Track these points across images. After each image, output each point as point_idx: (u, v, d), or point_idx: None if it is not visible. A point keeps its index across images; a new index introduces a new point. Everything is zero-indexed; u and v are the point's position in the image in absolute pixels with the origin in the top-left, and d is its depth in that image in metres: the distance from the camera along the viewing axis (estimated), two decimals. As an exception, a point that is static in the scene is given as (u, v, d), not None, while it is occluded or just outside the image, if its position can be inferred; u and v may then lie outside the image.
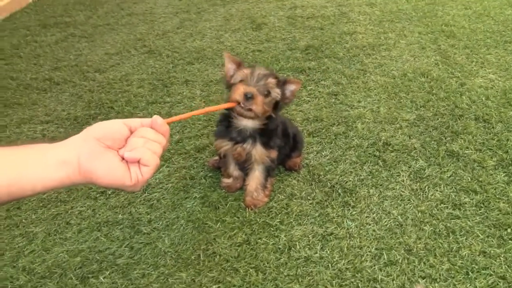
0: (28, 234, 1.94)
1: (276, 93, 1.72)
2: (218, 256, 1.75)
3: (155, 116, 0.85)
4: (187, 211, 1.99)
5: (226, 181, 2.09)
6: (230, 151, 1.92)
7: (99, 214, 2.01)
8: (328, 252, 1.73)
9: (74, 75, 3.26)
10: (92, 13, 4.50)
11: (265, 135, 1.87)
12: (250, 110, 1.64)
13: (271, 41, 3.58)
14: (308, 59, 3.23)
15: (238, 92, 1.62)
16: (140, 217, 1.98)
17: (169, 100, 2.84)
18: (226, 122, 1.89)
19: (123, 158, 0.79)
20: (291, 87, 1.79)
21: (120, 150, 0.79)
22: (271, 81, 1.70)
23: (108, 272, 1.73)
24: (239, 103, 1.62)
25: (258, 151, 1.88)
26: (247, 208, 1.96)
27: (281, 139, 1.97)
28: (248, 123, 1.81)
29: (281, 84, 1.77)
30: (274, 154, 1.92)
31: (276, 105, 1.80)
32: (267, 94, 1.70)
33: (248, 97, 1.60)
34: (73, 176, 0.72)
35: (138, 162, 0.80)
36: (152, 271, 1.72)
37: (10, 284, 1.70)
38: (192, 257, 1.76)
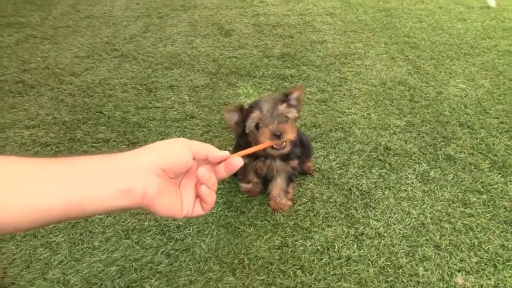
0: (51, 244, 1.89)
1: (292, 113, 1.74)
2: (261, 260, 1.80)
3: (231, 158, 0.83)
4: (214, 216, 2.01)
5: (246, 186, 2.13)
6: (251, 165, 1.97)
7: (123, 222, 1.99)
8: (366, 251, 1.84)
9: (48, 78, 3.15)
10: (47, 14, 4.34)
11: None
12: (284, 144, 1.67)
13: (244, 48, 3.65)
14: (286, 67, 3.33)
15: (266, 136, 1.62)
16: (168, 224, 1.98)
17: (159, 105, 2.83)
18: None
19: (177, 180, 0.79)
20: (294, 96, 1.81)
21: (200, 172, 0.78)
22: (282, 108, 1.70)
23: (153, 280, 1.72)
24: (272, 146, 1.64)
25: (278, 165, 1.94)
26: (275, 212, 2.02)
27: (300, 148, 2.03)
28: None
29: (286, 100, 1.78)
30: (295, 163, 1.98)
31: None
32: (287, 120, 1.71)
33: (278, 135, 1.61)
34: (134, 203, 0.70)
35: (197, 197, 0.81)
36: (198, 277, 1.73)
37: (52, 296, 1.66)
38: (236, 261, 1.80)
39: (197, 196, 0.81)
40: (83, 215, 0.65)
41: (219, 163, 0.82)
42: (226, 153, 0.82)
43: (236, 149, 2.05)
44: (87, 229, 1.96)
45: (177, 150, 0.76)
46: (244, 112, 1.75)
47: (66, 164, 0.65)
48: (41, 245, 1.88)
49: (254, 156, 1.91)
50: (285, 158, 1.90)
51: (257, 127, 1.69)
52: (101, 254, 1.84)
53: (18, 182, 0.59)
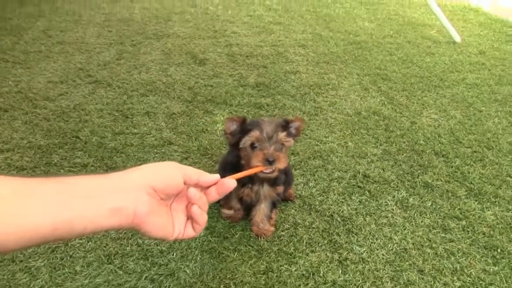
0: (30, 269, 1.81)
1: (290, 143, 1.76)
2: (247, 285, 1.77)
3: (224, 179, 0.85)
4: (198, 242, 1.98)
5: (228, 212, 2.11)
6: (237, 192, 1.96)
7: (104, 246, 1.93)
8: (351, 275, 1.84)
9: (21, 102, 3.08)
10: (18, 39, 4.27)
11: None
12: (273, 170, 1.69)
13: (219, 76, 3.67)
14: (262, 96, 3.36)
15: (259, 159, 1.64)
16: (150, 249, 1.93)
17: (136, 131, 2.80)
18: (233, 168, 1.82)
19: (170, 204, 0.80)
20: (295, 125, 1.83)
21: (190, 191, 0.79)
22: (282, 136, 1.71)
23: (137, 306, 1.68)
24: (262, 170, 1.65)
25: (265, 190, 1.94)
26: (258, 237, 2.01)
27: (283, 175, 2.04)
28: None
29: (287, 127, 1.80)
30: (280, 189, 1.99)
31: None
32: (282, 148, 1.73)
33: (271, 161, 1.63)
34: (125, 223, 0.69)
35: (188, 218, 0.82)
36: (183, 302, 1.70)
37: (31, 324, 1.59)
38: (221, 286, 1.76)
39: (188, 218, 0.81)
40: (72, 235, 0.64)
41: (209, 187, 0.83)
42: (216, 176, 0.83)
43: (222, 168, 2.04)
44: (68, 254, 1.89)
45: (167, 170, 0.77)
46: (244, 126, 1.75)
47: (57, 183, 0.64)
48: (20, 270, 1.81)
49: (241, 183, 1.90)
50: (273, 183, 1.91)
51: (252, 146, 1.69)
52: (83, 279, 1.78)
53: (6, 201, 0.58)
